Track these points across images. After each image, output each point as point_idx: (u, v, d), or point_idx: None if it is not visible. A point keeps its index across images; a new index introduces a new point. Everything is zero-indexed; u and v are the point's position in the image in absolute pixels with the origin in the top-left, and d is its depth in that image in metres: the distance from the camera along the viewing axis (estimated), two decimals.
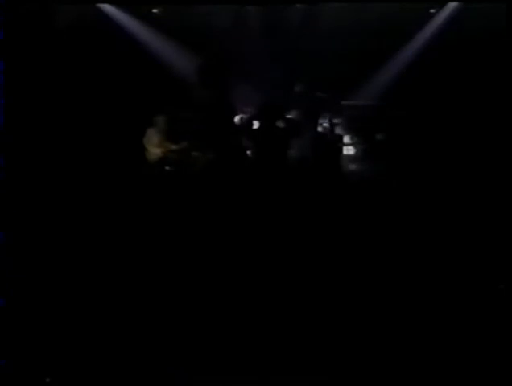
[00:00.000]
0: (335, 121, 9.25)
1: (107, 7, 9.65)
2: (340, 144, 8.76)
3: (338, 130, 8.99)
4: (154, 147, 9.12)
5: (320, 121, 8.89)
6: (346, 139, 9.08)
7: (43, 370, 3.98)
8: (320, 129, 8.64)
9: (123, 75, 9.61)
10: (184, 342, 4.28)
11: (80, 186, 6.17)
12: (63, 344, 4.16)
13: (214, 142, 8.57)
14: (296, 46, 9.72)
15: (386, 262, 5.20)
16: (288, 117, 8.89)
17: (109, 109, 9.64)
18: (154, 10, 9.87)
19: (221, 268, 4.96)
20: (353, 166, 9.19)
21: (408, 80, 9.59)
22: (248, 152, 7.65)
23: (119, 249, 4.88)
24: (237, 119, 9.07)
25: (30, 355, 4.07)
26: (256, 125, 8.44)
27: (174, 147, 9.03)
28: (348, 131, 9.35)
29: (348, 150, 9.21)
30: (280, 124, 6.86)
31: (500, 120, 7.75)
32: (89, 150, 9.45)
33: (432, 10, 9.73)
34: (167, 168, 8.88)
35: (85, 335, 4.24)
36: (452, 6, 9.54)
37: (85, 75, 9.61)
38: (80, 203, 5.51)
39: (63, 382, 3.95)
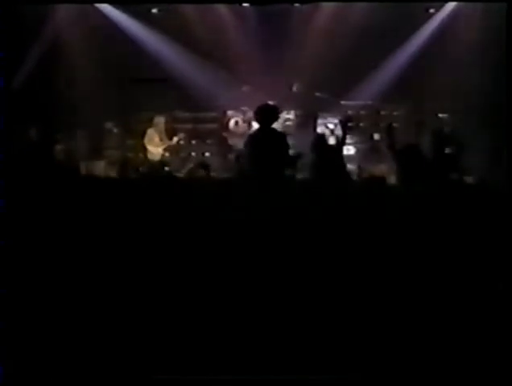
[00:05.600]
0: (334, 121, 9.25)
1: (106, 7, 9.65)
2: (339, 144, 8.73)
3: (338, 130, 8.96)
4: (155, 146, 9.20)
5: (320, 121, 8.87)
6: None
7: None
8: (319, 129, 8.61)
9: (122, 74, 9.62)
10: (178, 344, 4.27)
11: (79, 186, 6.17)
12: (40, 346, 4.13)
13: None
14: (295, 46, 9.70)
15: (386, 261, 5.18)
16: (287, 117, 8.91)
17: (108, 109, 9.66)
18: (154, 10, 9.87)
19: (220, 269, 4.96)
20: (352, 166, 9.19)
21: (408, 80, 9.59)
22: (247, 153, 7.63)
23: (115, 251, 4.86)
24: (232, 122, 9.13)
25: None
26: (254, 126, 8.44)
27: (173, 141, 9.28)
28: (348, 131, 9.33)
29: (349, 150, 9.20)
30: (278, 125, 6.84)
31: (499, 119, 7.76)
32: (89, 149, 9.48)
33: (432, 10, 9.73)
34: (166, 168, 8.95)
35: (62, 335, 4.21)
36: (451, 5, 9.55)
37: (85, 75, 9.63)
38: (78, 204, 5.50)
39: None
